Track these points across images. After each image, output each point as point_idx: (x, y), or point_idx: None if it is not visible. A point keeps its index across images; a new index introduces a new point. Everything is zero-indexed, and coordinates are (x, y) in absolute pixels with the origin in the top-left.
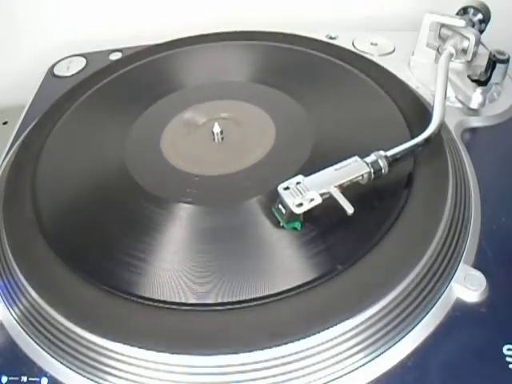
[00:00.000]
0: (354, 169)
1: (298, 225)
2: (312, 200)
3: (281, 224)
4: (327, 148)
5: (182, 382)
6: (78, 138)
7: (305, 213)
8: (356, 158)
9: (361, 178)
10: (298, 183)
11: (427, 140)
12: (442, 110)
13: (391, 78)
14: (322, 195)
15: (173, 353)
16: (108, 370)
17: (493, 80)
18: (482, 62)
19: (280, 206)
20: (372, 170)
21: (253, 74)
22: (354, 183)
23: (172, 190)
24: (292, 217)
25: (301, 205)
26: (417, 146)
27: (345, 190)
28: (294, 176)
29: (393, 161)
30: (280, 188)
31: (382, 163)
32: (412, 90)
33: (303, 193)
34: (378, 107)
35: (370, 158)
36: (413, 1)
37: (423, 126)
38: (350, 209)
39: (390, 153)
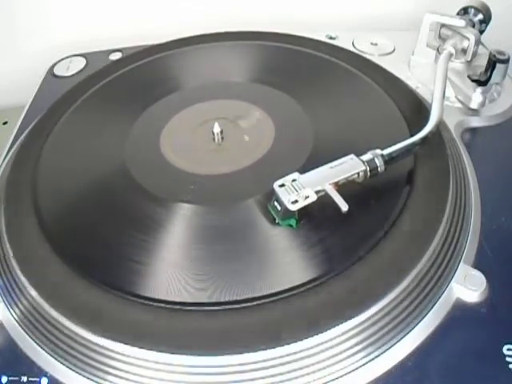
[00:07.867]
0: (349, 167)
1: (293, 222)
2: (307, 197)
3: (276, 221)
4: (327, 147)
5: (182, 382)
6: (78, 138)
7: (302, 211)
8: (352, 156)
9: (356, 175)
10: (293, 180)
11: (425, 139)
12: (440, 109)
13: (391, 78)
14: (317, 193)
15: (173, 353)
16: (108, 369)
17: (493, 80)
18: (482, 62)
19: (275, 203)
20: (368, 168)
21: (253, 73)
22: (351, 182)
23: (172, 190)
24: (287, 214)
25: (296, 202)
26: (414, 144)
27: (344, 189)
28: None
29: (389, 159)
30: (275, 185)
31: (378, 161)
32: (412, 90)
33: (298, 190)
34: (378, 107)
35: (366, 157)
36: (413, 1)
37: (423, 125)
38: (344, 206)
39: (386, 151)
